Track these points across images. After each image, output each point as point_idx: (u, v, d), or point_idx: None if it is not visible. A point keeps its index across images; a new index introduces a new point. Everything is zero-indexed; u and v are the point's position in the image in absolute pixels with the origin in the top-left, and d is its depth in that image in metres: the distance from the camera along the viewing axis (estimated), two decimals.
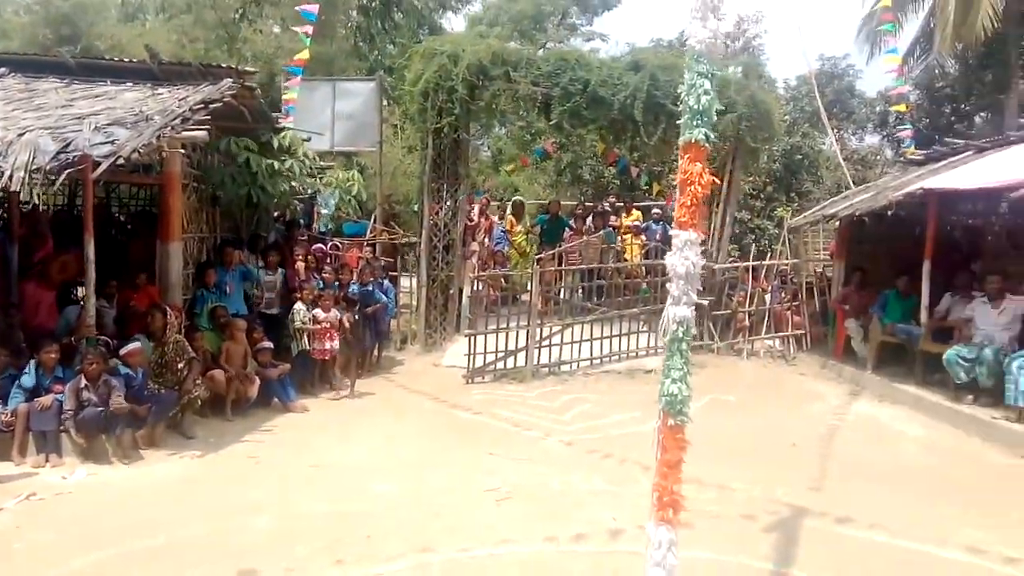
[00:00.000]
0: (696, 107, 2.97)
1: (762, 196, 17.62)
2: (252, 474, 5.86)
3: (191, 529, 4.74)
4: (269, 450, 6.48)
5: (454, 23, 26.00)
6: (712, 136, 3.00)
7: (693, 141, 2.99)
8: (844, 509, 5.22)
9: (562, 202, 15.11)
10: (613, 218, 13.75)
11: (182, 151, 7.72)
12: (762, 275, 11.92)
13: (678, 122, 3.03)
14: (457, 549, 4.51)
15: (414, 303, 11.39)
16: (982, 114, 21.13)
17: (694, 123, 2.98)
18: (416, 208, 12.50)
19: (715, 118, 3.00)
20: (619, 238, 12.90)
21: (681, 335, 3.03)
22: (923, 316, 8.90)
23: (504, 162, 20.84)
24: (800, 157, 17.75)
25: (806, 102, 18.80)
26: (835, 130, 19.95)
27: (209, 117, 7.32)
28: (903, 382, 8.91)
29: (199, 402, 6.91)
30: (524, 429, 7.29)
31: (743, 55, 21.67)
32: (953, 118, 21.22)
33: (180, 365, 6.86)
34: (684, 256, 3.01)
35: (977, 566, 4.43)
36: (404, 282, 12.12)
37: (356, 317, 8.84)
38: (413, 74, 10.94)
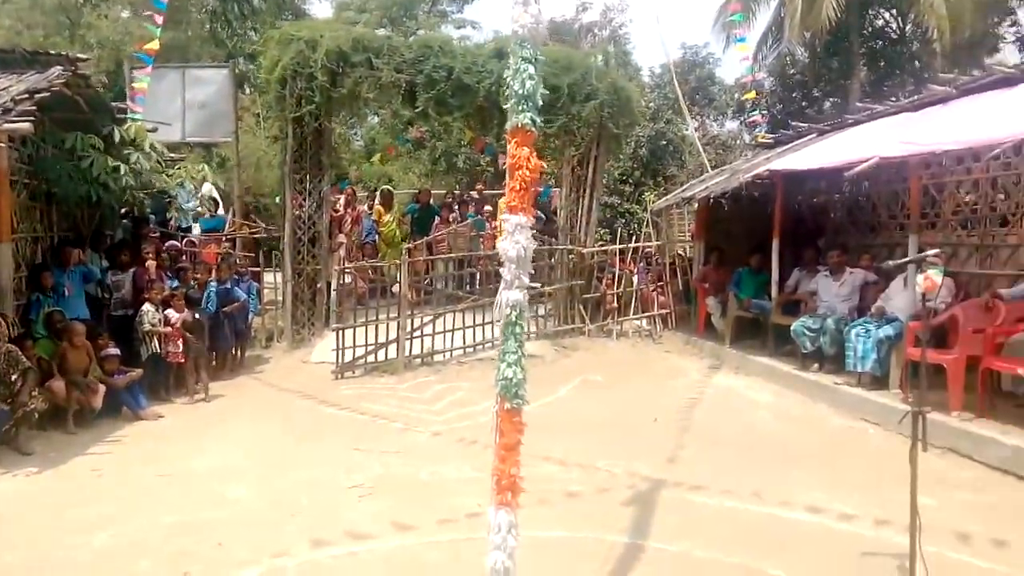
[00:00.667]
0: (521, 92, 2.96)
1: (630, 181, 18.12)
2: (94, 489, 5.47)
3: (16, 554, 4.36)
4: (115, 462, 6.07)
5: (320, 10, 25.30)
6: (539, 121, 3.00)
7: (520, 126, 2.98)
8: (699, 478, 5.43)
9: (435, 191, 15.01)
10: (487, 207, 13.78)
11: (7, 144, 7.09)
12: (629, 258, 12.27)
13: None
14: (315, 550, 4.37)
15: (280, 299, 11.01)
16: (830, 99, 22.57)
17: (520, 108, 2.97)
18: (278, 200, 12.08)
19: (540, 102, 3.00)
20: (489, 225, 12.94)
21: (515, 319, 3.02)
22: (774, 291, 9.41)
23: (377, 152, 20.50)
24: (665, 143, 18.36)
25: (669, 89, 19.45)
26: (697, 116, 20.80)
27: (35, 108, 6.77)
28: (757, 354, 9.41)
29: (36, 415, 6.39)
30: (393, 422, 7.19)
31: (610, 44, 22.20)
32: (804, 103, 22.54)
33: (13, 377, 6.32)
34: (515, 240, 2.99)
35: (817, 524, 4.69)
36: (268, 277, 11.69)
37: (197, 316, 8.38)
38: (269, 61, 10.53)
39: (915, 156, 7.15)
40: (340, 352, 9.04)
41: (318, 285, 10.71)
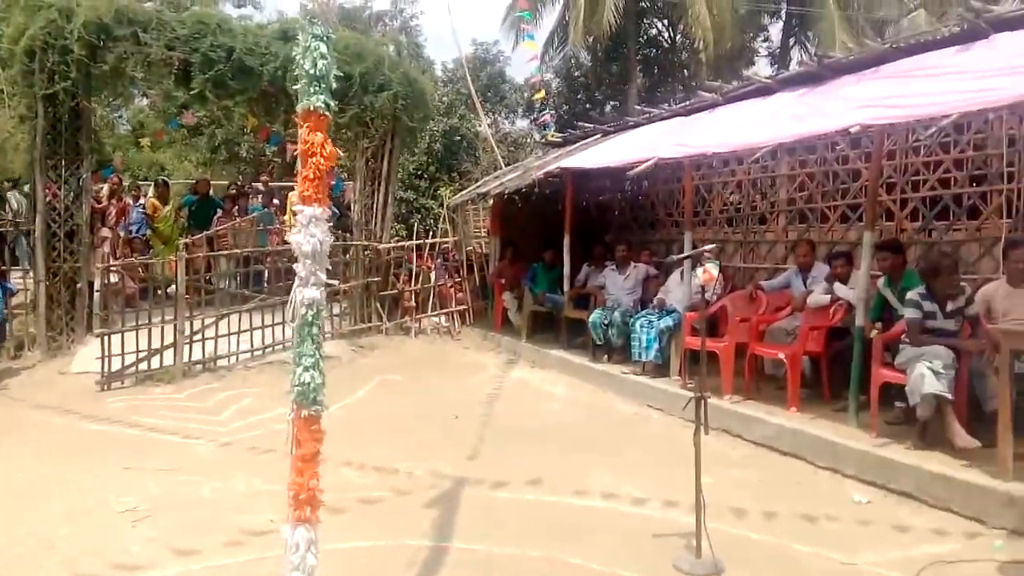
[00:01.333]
0: (313, 72, 2.72)
1: (425, 176, 18.06)
2: None
3: None
4: None
5: None
6: (332, 104, 2.78)
7: (312, 109, 2.75)
8: (499, 474, 5.43)
9: (216, 181, 13.98)
10: (275, 201, 13.05)
11: None
12: (426, 254, 12.18)
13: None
14: None
15: (31, 301, 9.68)
16: (611, 102, 23.97)
17: (312, 90, 2.73)
18: (28, 189, 10.62)
19: (335, 84, 2.78)
20: (278, 219, 12.27)
21: (311, 319, 2.78)
22: (566, 285, 9.75)
23: (146, 137, 18.72)
24: (459, 138, 18.49)
25: (462, 85, 19.61)
26: (489, 113, 21.15)
27: None
28: (552, 347, 9.70)
29: None
30: (171, 435, 6.53)
31: (401, 35, 21.96)
32: (588, 105, 23.75)
33: None
34: (310, 233, 2.75)
35: (610, 510, 4.85)
36: (18, 276, 10.25)
37: None
38: (13, 29, 9.20)
39: (688, 158, 7.68)
40: (107, 360, 8.10)
41: (78, 285, 9.53)
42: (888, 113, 5.63)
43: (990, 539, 4.26)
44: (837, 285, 6.64)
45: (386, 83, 10.56)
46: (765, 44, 24.15)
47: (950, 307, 5.46)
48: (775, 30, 23.93)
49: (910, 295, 5.60)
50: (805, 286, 7.11)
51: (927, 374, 5.06)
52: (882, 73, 6.60)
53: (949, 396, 5.04)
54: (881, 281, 6.26)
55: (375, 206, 11.31)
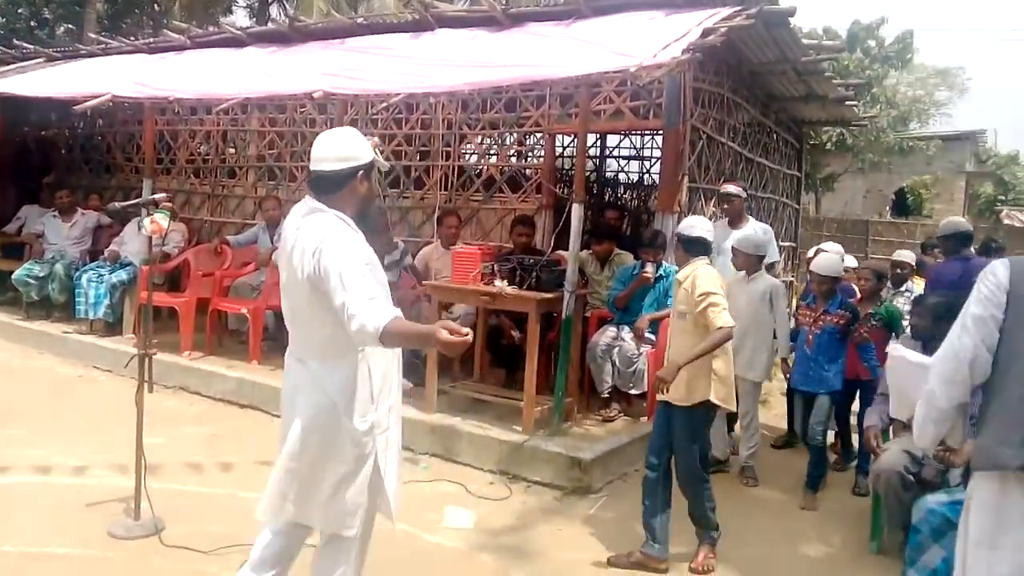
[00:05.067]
0: None
1: None
2: None
3: None
4: None
5: None
6: None
7: None
8: None
9: None
10: None
11: None
12: None
13: None
14: None
15: None
16: (64, 24, 20.64)
17: None
18: None
19: None
20: None
21: None
22: None
23: None
24: None
25: None
26: None
27: None
28: None
29: None
30: None
31: None
32: (33, 23, 20.07)
33: None
34: None
35: (44, 484, 4.26)
36: None
37: None
38: None
39: (150, 99, 7.11)
40: None
41: None
42: (349, 84, 6.03)
43: (418, 462, 4.95)
44: None
45: None
46: None
47: (387, 260, 6.12)
48: None
49: None
50: (272, 242, 7.21)
51: None
52: (347, 46, 7.03)
53: None
54: None
55: None
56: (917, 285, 6.20)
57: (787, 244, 8.49)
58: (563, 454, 4.72)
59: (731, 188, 5.82)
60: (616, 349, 5.34)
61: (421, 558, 3.70)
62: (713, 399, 3.63)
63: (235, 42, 7.76)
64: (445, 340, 2.17)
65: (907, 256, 6.36)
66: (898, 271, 6.13)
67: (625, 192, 9.97)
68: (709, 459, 4.01)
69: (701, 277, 3.64)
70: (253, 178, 8.67)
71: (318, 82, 6.06)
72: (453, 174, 7.35)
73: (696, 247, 3.81)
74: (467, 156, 8.20)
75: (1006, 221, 18.98)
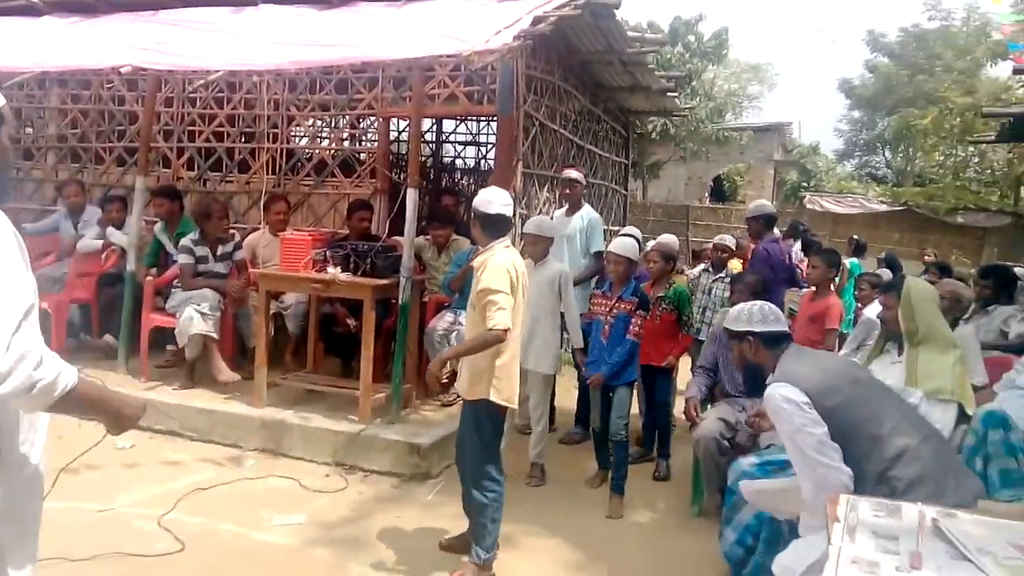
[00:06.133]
0: None
1: None
2: None
3: None
4: None
5: None
6: None
7: None
8: None
9: None
10: None
11: None
12: None
13: None
14: None
15: None
16: None
17: None
18: None
19: None
20: None
21: None
22: None
23: None
24: None
25: None
26: None
27: None
28: None
29: None
30: None
31: None
32: None
33: None
34: None
35: None
36: None
37: None
38: None
39: None
40: None
41: None
42: (162, 59, 5.61)
43: (244, 460, 4.72)
44: (110, 230, 6.34)
45: None
46: None
47: (220, 251, 5.79)
48: None
49: (184, 241, 5.73)
50: (76, 230, 6.58)
51: (195, 316, 5.28)
52: (160, 18, 6.55)
53: (215, 335, 5.37)
54: (158, 227, 6.23)
55: None
56: (733, 267, 6.65)
57: (617, 229, 8.85)
58: (401, 441, 4.67)
59: (573, 174, 5.93)
60: (454, 334, 5.33)
61: (247, 558, 3.53)
62: (493, 398, 3.38)
63: (30, 10, 7.02)
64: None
65: (728, 240, 6.62)
66: (720, 254, 6.41)
67: (462, 178, 10.00)
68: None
69: (489, 269, 3.33)
70: (53, 160, 7.88)
71: (126, 56, 5.59)
72: (281, 157, 7.05)
73: (494, 226, 3.46)
74: (296, 139, 7.89)
75: (809, 206, 20.78)
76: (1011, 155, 20.36)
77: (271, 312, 5.63)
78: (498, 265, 3.34)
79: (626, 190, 9.92)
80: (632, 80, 7.86)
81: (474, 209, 3.54)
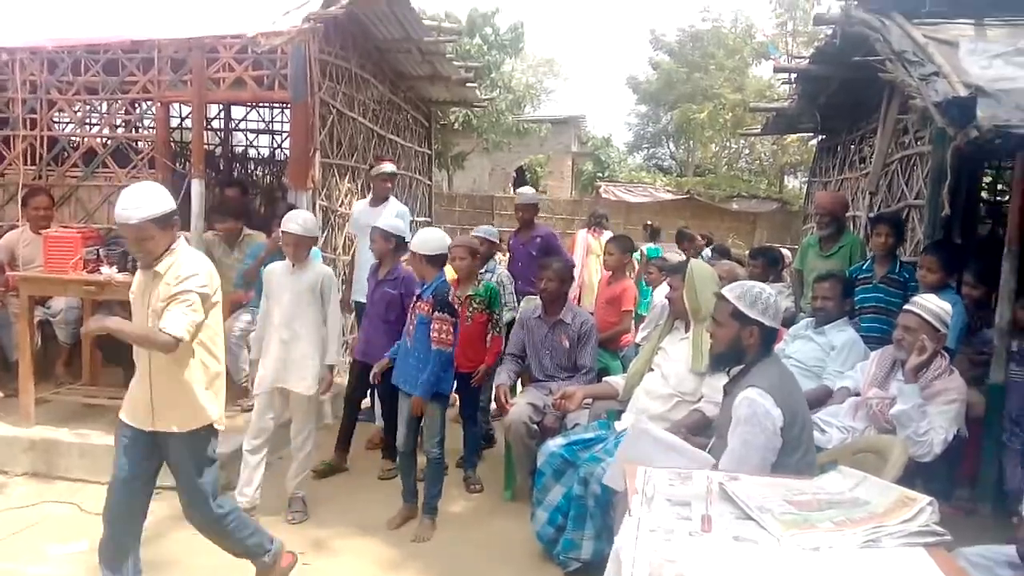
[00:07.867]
0: None
1: None
2: None
3: None
4: None
5: None
6: None
7: None
8: None
9: None
10: None
11: None
12: None
13: None
14: None
15: None
16: None
17: None
18: None
19: None
20: None
21: None
22: None
23: None
24: None
25: None
26: None
27: None
28: None
29: None
30: None
31: None
32: None
33: None
34: None
35: None
36: None
37: None
38: None
39: None
40: None
41: None
42: None
43: (16, 487, 4.17)
44: None
45: None
46: None
47: None
48: None
49: None
50: None
51: None
52: None
53: None
54: None
55: None
56: (500, 260, 6.70)
57: (423, 220, 8.80)
58: None
59: (390, 167, 5.79)
60: (251, 334, 5.03)
61: None
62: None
63: None
64: None
65: (489, 233, 5.93)
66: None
67: (257, 168, 9.47)
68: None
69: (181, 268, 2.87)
70: None
71: None
72: (42, 146, 6.26)
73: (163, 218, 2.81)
74: (60, 125, 7.06)
75: (604, 195, 21.99)
76: (775, 147, 22.72)
77: (36, 320, 5.01)
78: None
79: (430, 180, 9.88)
80: (431, 70, 7.81)
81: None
